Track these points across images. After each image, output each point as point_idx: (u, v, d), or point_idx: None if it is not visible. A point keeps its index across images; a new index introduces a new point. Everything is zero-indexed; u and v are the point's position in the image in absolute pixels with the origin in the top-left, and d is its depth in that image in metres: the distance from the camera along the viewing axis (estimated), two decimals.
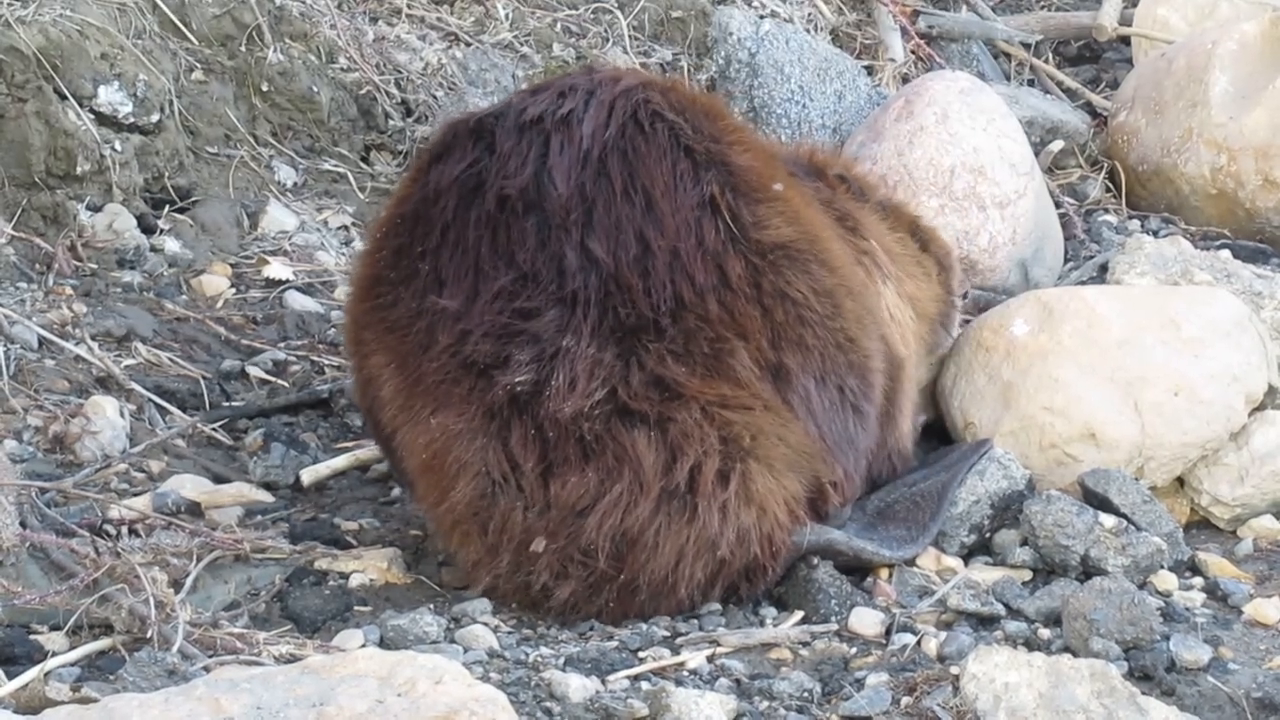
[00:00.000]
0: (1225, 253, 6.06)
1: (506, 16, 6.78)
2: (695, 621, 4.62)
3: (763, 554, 4.60)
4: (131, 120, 5.95)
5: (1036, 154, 6.47)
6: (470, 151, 4.69)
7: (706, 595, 4.62)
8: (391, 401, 4.64)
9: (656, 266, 4.54)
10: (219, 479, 5.16)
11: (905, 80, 6.94)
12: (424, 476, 4.62)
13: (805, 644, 4.59)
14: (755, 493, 4.55)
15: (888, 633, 4.63)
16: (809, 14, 7.27)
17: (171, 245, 5.95)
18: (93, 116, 5.89)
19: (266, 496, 5.12)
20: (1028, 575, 4.89)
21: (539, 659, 4.43)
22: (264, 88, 6.32)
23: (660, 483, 4.49)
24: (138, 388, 5.39)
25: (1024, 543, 4.93)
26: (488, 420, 4.51)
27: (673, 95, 4.75)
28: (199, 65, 6.23)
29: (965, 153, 6.09)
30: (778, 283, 4.60)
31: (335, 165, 6.37)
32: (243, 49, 6.32)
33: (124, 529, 4.79)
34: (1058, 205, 6.56)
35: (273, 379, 5.60)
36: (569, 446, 4.48)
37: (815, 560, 4.71)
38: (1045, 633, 4.63)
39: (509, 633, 4.56)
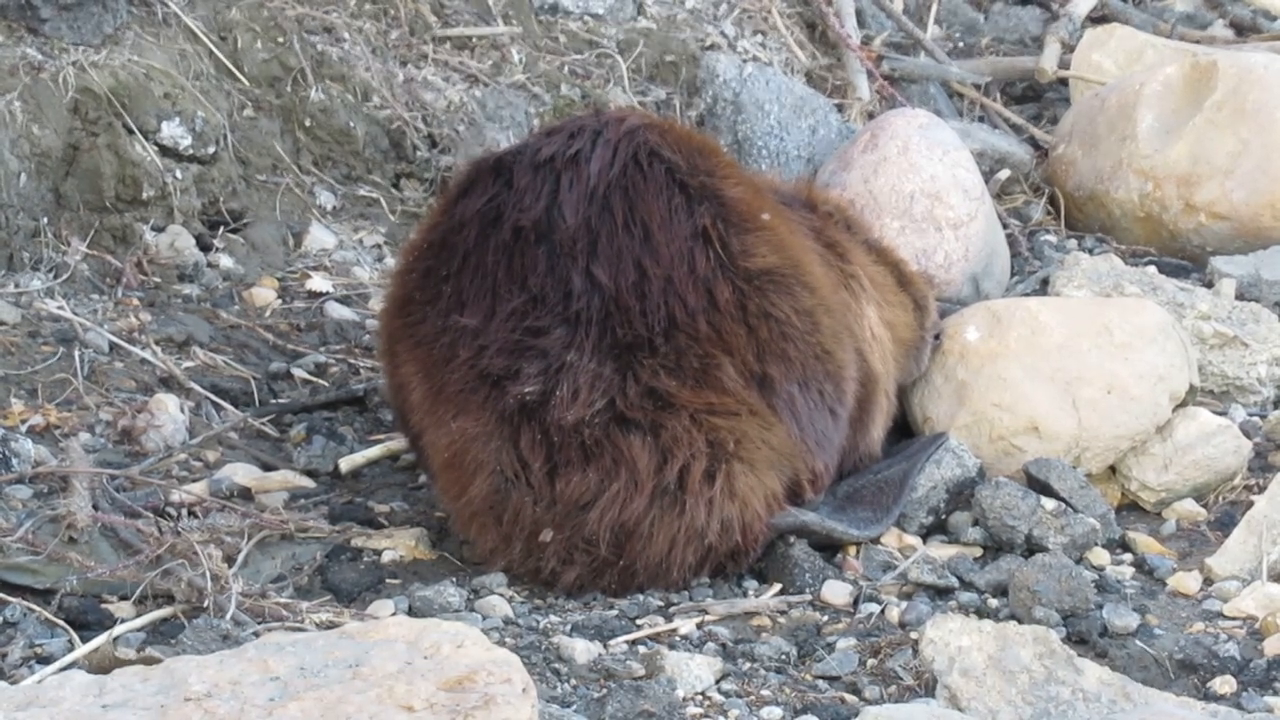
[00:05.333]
0: (1152, 268, 6.05)
1: (520, 60, 6.77)
2: (686, 593, 4.61)
3: (744, 541, 4.60)
4: (191, 152, 5.95)
5: (986, 181, 6.46)
6: (491, 187, 4.68)
7: (696, 575, 4.62)
8: (419, 406, 4.64)
9: (652, 291, 4.52)
10: (267, 467, 5.15)
11: (871, 117, 6.93)
12: (445, 473, 4.61)
13: (783, 613, 4.58)
14: (738, 490, 4.54)
15: (855, 603, 4.62)
16: (786, 58, 7.26)
17: (226, 262, 5.94)
18: (157, 148, 5.88)
19: (309, 483, 5.11)
20: (978, 552, 4.88)
21: (549, 626, 4.42)
22: (307, 123, 6.31)
23: (653, 481, 4.48)
24: (196, 387, 5.38)
25: (975, 523, 4.93)
26: (501, 425, 4.50)
27: (670, 135, 4.73)
28: (250, 103, 6.23)
29: (924, 180, 6.08)
30: (763, 304, 4.58)
31: (369, 191, 6.36)
32: (288, 89, 6.31)
33: (184, 511, 4.78)
34: (1005, 226, 6.55)
35: (314, 379, 5.59)
36: (572, 449, 4.47)
37: (792, 539, 4.70)
38: (994, 602, 4.63)
39: (522, 603, 4.56)
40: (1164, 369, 5.23)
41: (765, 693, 4.19)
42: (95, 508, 4.69)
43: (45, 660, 4.18)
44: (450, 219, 4.71)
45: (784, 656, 4.36)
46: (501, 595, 4.55)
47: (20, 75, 5.72)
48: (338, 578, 4.66)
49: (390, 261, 6.05)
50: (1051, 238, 6.70)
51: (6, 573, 4.43)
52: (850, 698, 4.20)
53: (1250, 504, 4.98)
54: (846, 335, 4.81)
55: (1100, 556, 4.88)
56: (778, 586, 4.66)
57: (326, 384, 5.57)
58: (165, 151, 5.89)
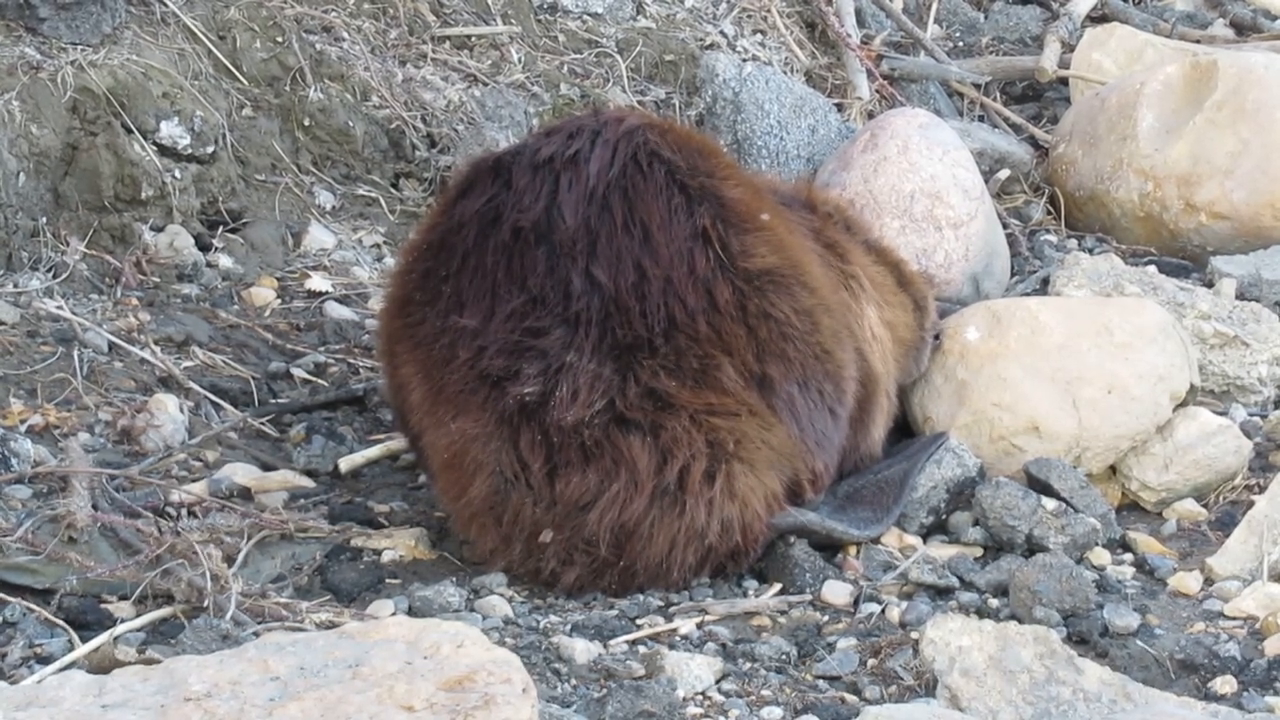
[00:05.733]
0: (1152, 268, 6.06)
1: (519, 60, 6.78)
2: (686, 593, 4.62)
3: (744, 541, 4.60)
4: (190, 151, 5.95)
5: (986, 181, 6.46)
6: (490, 187, 4.68)
7: (696, 575, 4.62)
8: (419, 407, 4.64)
9: (652, 291, 4.52)
10: (267, 467, 5.15)
11: (870, 116, 6.93)
12: (445, 474, 4.62)
13: (783, 613, 4.59)
14: (738, 490, 4.55)
15: (856, 603, 4.63)
16: (786, 58, 7.26)
17: (225, 261, 5.94)
18: (155, 148, 5.88)
19: (308, 482, 5.12)
20: (979, 552, 4.89)
21: (549, 626, 4.43)
22: (306, 123, 6.32)
23: (653, 482, 4.48)
24: (195, 386, 5.39)
25: (976, 523, 4.93)
26: (501, 426, 4.50)
27: (670, 135, 4.72)
28: (249, 103, 6.23)
29: (924, 180, 6.09)
30: (762, 304, 4.58)
31: (369, 191, 6.36)
32: (287, 88, 6.31)
33: (183, 511, 4.79)
34: (1005, 226, 6.55)
35: (314, 379, 5.60)
36: (572, 450, 4.47)
37: (792, 539, 4.70)
38: (994, 602, 4.63)
39: (522, 603, 4.56)
40: (1164, 369, 5.23)
41: (765, 693, 4.20)
42: (95, 507, 4.69)
43: (45, 660, 4.18)
44: (449, 219, 4.71)
45: (784, 656, 4.36)
46: (501, 595, 4.55)
47: (19, 75, 5.72)
48: (337, 578, 4.67)
49: (389, 261, 6.05)
50: (1051, 237, 6.70)
51: (6, 573, 4.43)
52: (850, 698, 4.20)
53: (1251, 504, 4.99)
54: (846, 335, 4.82)
55: (1101, 556, 4.88)
56: (778, 586, 4.67)
57: (326, 384, 5.57)
58: (164, 151, 5.89)
